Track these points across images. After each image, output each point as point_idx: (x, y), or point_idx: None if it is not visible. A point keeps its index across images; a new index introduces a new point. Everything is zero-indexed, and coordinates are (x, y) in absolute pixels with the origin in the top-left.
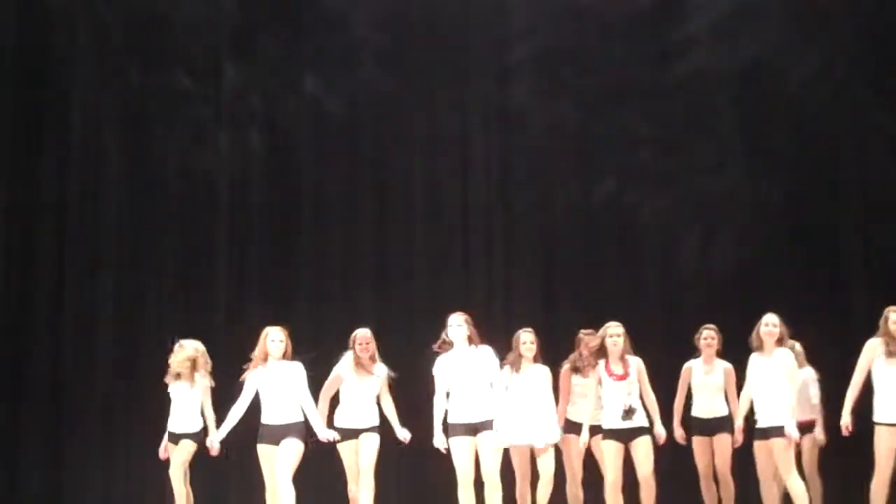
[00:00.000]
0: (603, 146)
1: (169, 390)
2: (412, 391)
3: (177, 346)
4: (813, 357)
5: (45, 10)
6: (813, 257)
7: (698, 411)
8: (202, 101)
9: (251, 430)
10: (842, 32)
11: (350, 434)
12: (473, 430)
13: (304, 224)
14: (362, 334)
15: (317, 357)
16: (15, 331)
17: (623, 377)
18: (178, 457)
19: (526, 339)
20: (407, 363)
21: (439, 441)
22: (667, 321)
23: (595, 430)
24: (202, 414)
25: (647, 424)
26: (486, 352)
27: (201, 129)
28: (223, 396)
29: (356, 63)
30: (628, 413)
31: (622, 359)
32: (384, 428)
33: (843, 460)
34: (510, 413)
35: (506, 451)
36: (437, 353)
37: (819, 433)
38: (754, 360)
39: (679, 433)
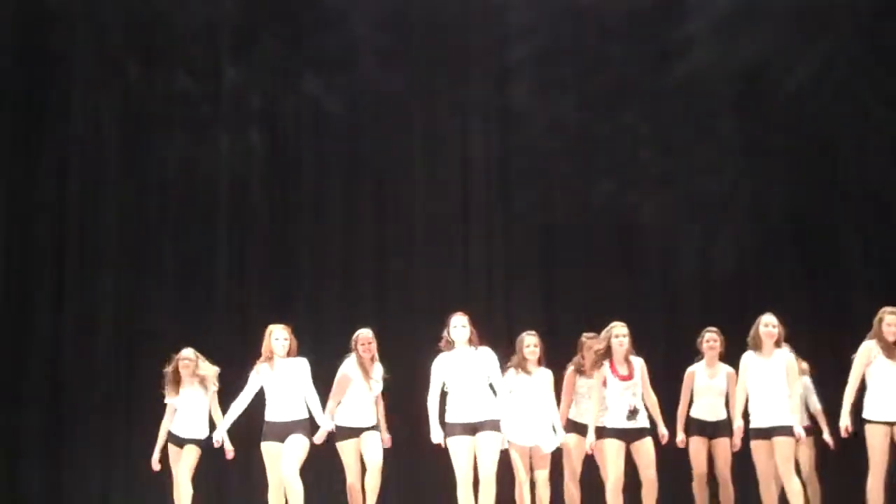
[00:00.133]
0: (603, 146)
1: (174, 398)
2: (412, 392)
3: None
4: (812, 357)
5: (45, 10)
6: (813, 257)
7: (699, 413)
8: (202, 101)
9: (252, 430)
10: (842, 32)
11: (351, 433)
12: (472, 429)
13: (304, 224)
14: (364, 335)
15: (317, 357)
16: (15, 331)
17: (628, 377)
18: (186, 461)
19: (529, 343)
20: (407, 363)
21: (436, 436)
22: (667, 321)
23: (599, 431)
24: (209, 418)
25: (649, 425)
26: (487, 353)
27: (201, 129)
28: (223, 396)
29: (356, 63)
30: (633, 413)
31: (627, 359)
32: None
33: (841, 460)
34: (514, 415)
35: (504, 453)
36: (440, 351)
37: (827, 438)
38: (752, 359)
39: (682, 438)
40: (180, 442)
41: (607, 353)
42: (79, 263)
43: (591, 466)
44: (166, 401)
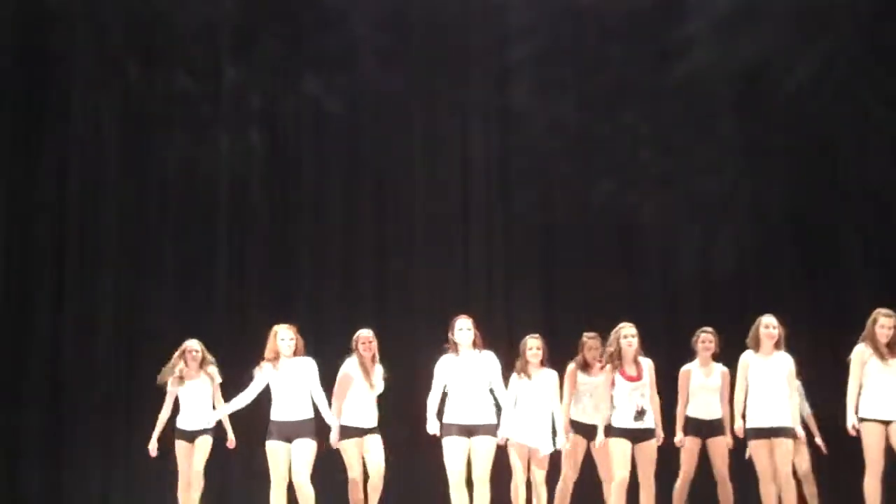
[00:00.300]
0: (603, 146)
1: (178, 391)
2: (412, 392)
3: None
4: (812, 357)
5: (45, 10)
6: (813, 257)
7: (693, 412)
8: (202, 101)
9: (255, 428)
10: (842, 32)
11: (353, 432)
12: (468, 431)
13: (304, 224)
14: (364, 335)
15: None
16: (15, 331)
17: (636, 378)
18: (201, 452)
19: (532, 345)
20: (407, 363)
21: (432, 427)
22: (667, 321)
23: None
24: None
25: (653, 426)
26: (490, 357)
27: (201, 129)
28: (222, 396)
29: (356, 63)
30: (640, 415)
31: (636, 360)
32: (382, 430)
33: (840, 460)
34: (517, 416)
35: (500, 454)
36: (445, 351)
37: (819, 442)
38: (753, 360)
39: (680, 438)
40: (190, 436)
41: (617, 354)
42: (79, 263)
43: (590, 466)
44: (169, 389)
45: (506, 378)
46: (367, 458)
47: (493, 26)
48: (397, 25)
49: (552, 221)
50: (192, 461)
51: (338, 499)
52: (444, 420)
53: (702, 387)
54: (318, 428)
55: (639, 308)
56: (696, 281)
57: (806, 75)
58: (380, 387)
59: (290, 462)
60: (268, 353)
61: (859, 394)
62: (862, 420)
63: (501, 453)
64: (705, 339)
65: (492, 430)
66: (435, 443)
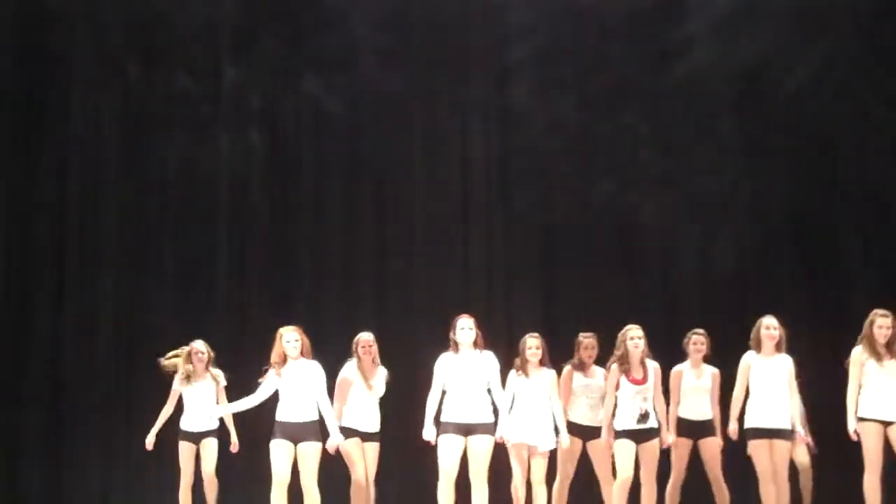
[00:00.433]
0: (603, 146)
1: (182, 391)
2: (412, 392)
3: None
4: (812, 357)
5: (45, 10)
6: (813, 257)
7: (684, 413)
8: (202, 101)
9: (257, 429)
10: (842, 32)
11: (354, 433)
12: (465, 430)
13: (304, 224)
14: (364, 338)
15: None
16: (15, 331)
17: (642, 382)
18: (210, 456)
19: (531, 345)
20: (407, 364)
21: (429, 433)
22: (667, 321)
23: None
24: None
25: (657, 427)
26: (490, 358)
27: (201, 129)
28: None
29: (356, 63)
30: (643, 418)
31: (642, 363)
32: (384, 432)
33: (840, 460)
34: (516, 415)
35: (497, 454)
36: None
37: (809, 441)
38: (754, 360)
39: (673, 439)
40: (196, 437)
41: (624, 356)
42: (79, 263)
43: (587, 467)
44: (175, 387)
45: (505, 378)
46: (366, 460)
47: (493, 26)
48: (397, 25)
49: (552, 221)
50: (202, 465)
51: (338, 499)
52: (442, 418)
53: (693, 388)
54: (322, 430)
55: (639, 308)
56: (696, 281)
57: (806, 75)
58: (380, 390)
59: (293, 463)
60: (274, 356)
61: (859, 394)
62: (861, 420)
63: (501, 453)
64: (696, 341)
65: (490, 429)
66: (432, 445)
